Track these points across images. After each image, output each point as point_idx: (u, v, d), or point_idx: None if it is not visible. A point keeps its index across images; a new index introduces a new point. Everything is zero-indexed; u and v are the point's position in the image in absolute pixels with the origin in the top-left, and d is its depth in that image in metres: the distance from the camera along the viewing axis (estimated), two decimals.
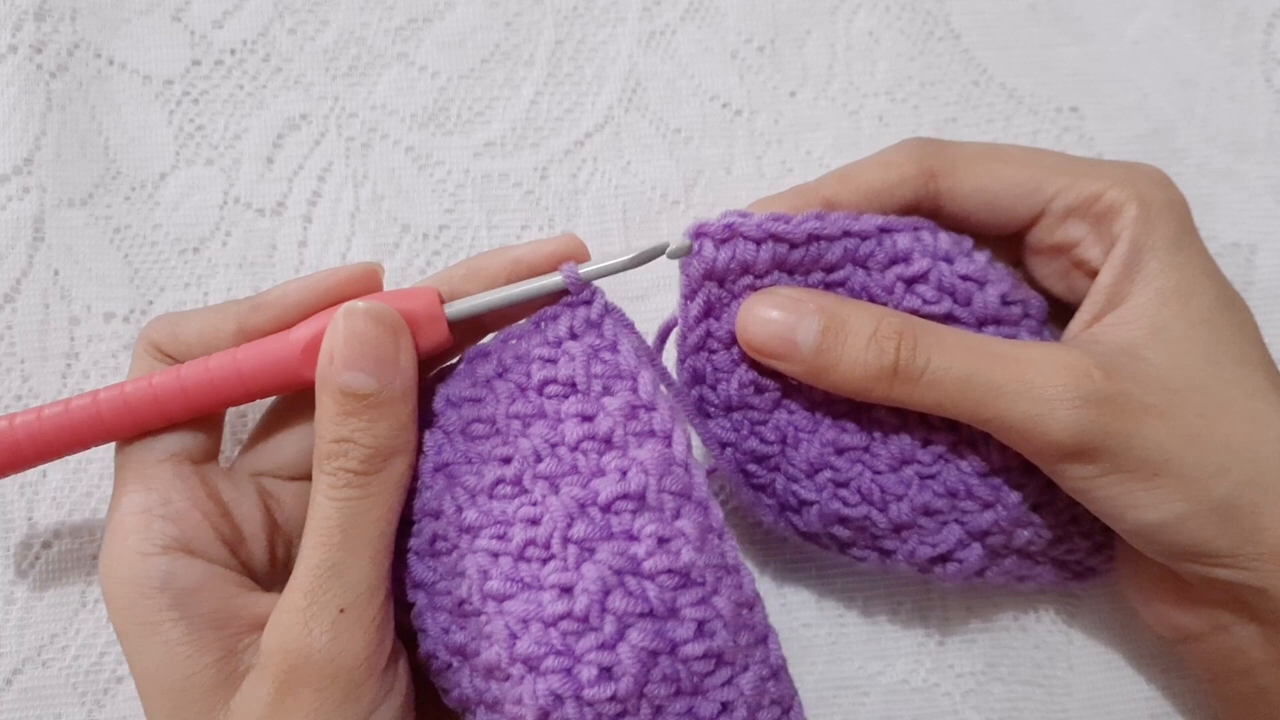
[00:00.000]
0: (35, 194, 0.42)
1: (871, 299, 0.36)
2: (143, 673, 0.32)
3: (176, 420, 0.34)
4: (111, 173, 0.43)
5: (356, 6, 0.46)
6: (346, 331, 0.32)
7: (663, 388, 0.35)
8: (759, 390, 0.37)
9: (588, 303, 0.35)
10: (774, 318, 0.35)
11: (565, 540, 0.32)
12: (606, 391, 0.34)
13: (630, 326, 0.35)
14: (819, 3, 0.47)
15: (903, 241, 0.36)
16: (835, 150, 0.46)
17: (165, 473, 0.34)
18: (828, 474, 0.37)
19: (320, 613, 0.31)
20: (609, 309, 0.35)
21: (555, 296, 0.35)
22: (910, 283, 0.36)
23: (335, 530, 0.32)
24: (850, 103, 0.46)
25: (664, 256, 0.35)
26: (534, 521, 0.33)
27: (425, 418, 0.35)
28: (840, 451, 0.37)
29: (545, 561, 0.32)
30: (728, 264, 0.35)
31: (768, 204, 0.36)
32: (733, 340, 0.36)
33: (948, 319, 0.36)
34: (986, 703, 0.43)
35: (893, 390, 0.34)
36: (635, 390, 0.34)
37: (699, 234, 0.35)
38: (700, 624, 0.32)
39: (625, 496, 0.33)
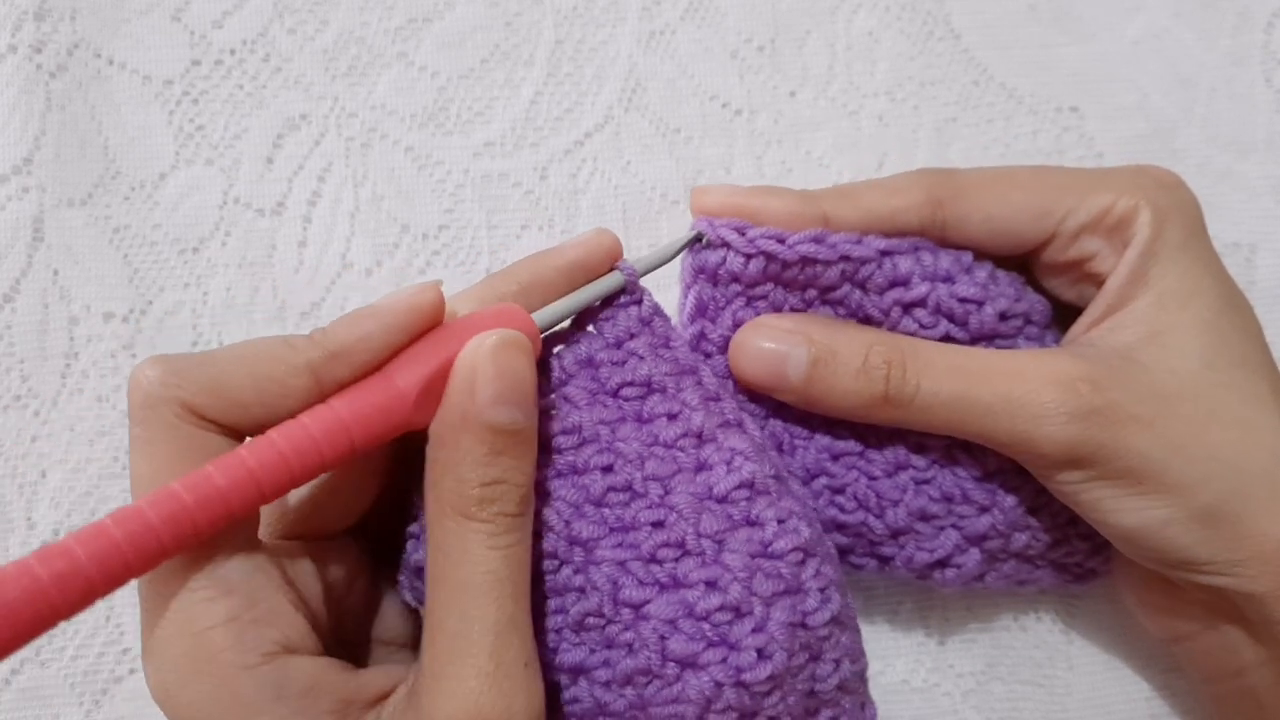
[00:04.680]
0: (35, 194, 0.42)
1: (867, 319, 0.36)
2: None
3: (269, 500, 0.29)
4: (111, 173, 0.43)
5: (356, 6, 0.45)
6: (498, 367, 0.30)
7: None
8: (753, 398, 0.37)
9: (638, 302, 0.35)
10: (765, 349, 0.35)
11: (699, 535, 0.33)
12: (679, 388, 0.34)
13: (670, 322, 0.36)
14: (819, 3, 0.47)
15: (904, 264, 0.36)
16: (835, 150, 0.46)
17: (241, 566, 0.29)
18: (824, 480, 0.37)
19: (510, 673, 0.29)
20: (656, 308, 0.35)
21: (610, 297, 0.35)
22: (908, 307, 0.36)
23: (507, 582, 0.29)
24: (850, 103, 0.46)
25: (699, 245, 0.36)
26: (659, 524, 0.33)
27: None
28: (836, 458, 0.37)
29: (679, 560, 0.32)
30: (716, 268, 0.35)
31: (768, 195, 0.36)
32: (725, 346, 0.37)
33: (944, 340, 0.36)
34: (986, 702, 0.43)
35: (885, 414, 0.35)
36: (700, 383, 0.35)
37: (698, 225, 0.35)
38: (822, 591, 0.33)
39: (740, 485, 0.33)
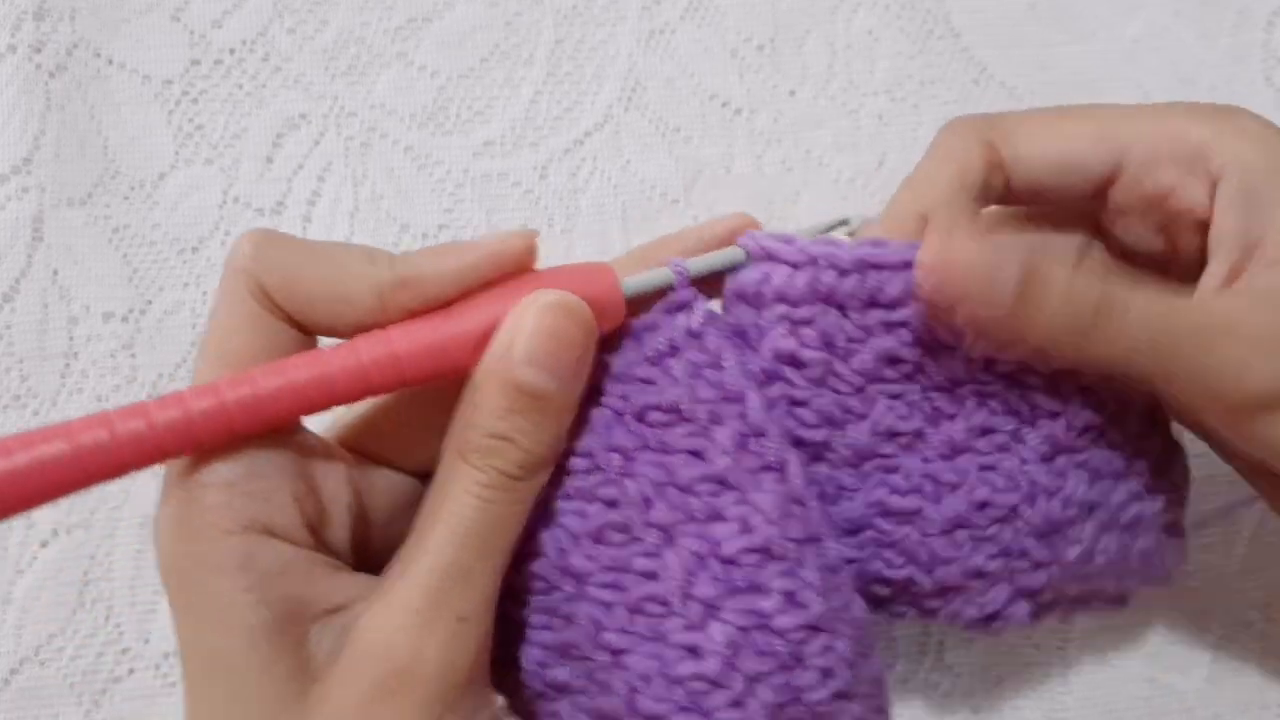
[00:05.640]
0: (34, 194, 0.42)
1: (939, 343, 0.32)
2: (204, 659, 0.29)
3: (309, 413, 0.30)
4: (110, 172, 0.43)
5: (356, 6, 0.46)
6: (537, 325, 0.29)
7: None
8: (797, 443, 0.33)
9: (688, 309, 0.31)
10: (973, 256, 0.31)
11: (686, 596, 0.30)
12: (714, 420, 0.30)
13: (733, 338, 0.32)
14: (818, 2, 0.47)
15: None
16: (835, 149, 0.46)
17: (260, 445, 0.30)
18: (870, 534, 0.33)
19: (439, 618, 0.29)
20: (711, 317, 0.31)
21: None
22: None
23: (472, 532, 0.29)
24: (850, 101, 0.46)
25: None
26: (649, 575, 0.30)
27: None
28: (887, 514, 0.33)
29: (665, 617, 0.30)
30: (757, 288, 0.31)
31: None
32: (771, 379, 0.32)
33: (1021, 366, 0.32)
34: (987, 702, 0.43)
35: (1081, 350, 0.31)
36: (744, 416, 0.30)
37: (742, 241, 0.32)
38: (825, 670, 0.30)
39: (750, 550, 0.30)
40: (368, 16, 0.46)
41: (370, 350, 0.29)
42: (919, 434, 0.33)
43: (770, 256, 0.31)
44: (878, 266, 0.31)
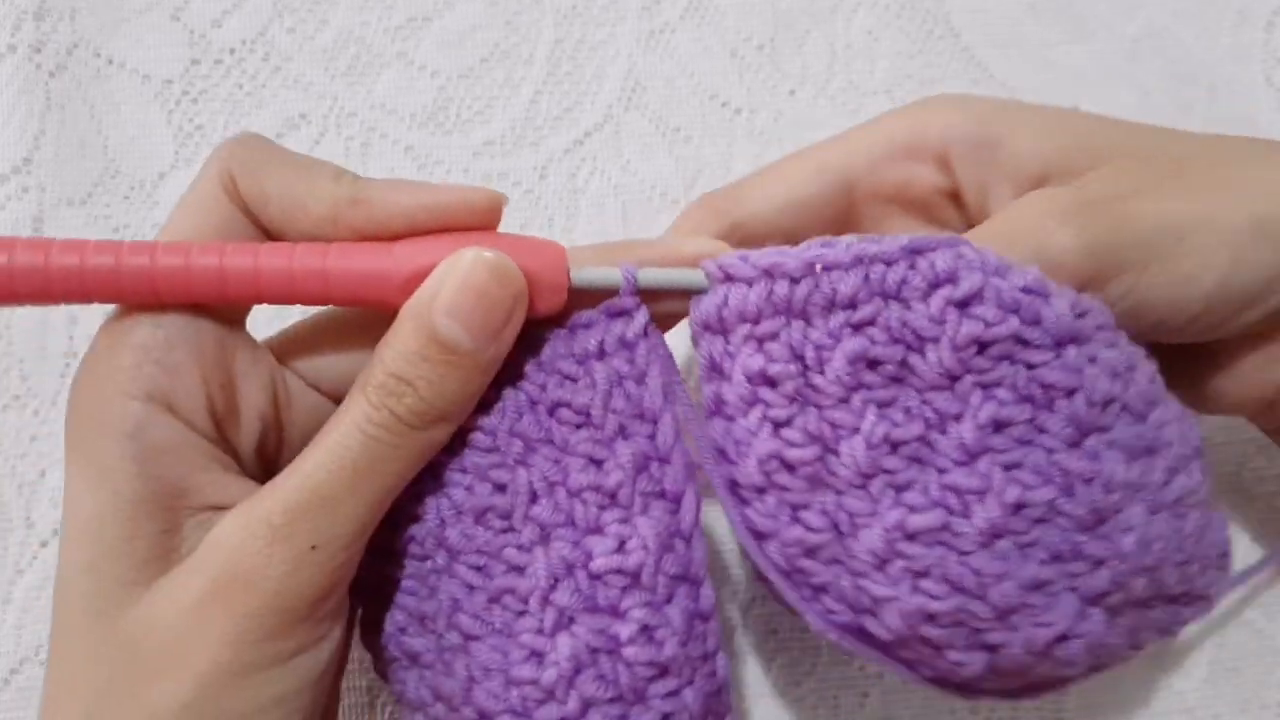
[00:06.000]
0: (34, 194, 0.42)
1: (917, 335, 0.30)
2: (78, 518, 0.29)
3: (231, 302, 0.30)
4: (110, 172, 0.43)
5: (356, 6, 0.46)
6: (463, 279, 0.29)
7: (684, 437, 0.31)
8: (788, 467, 0.30)
9: (628, 316, 0.30)
10: None
11: (544, 601, 0.30)
12: (622, 433, 0.30)
13: (667, 357, 0.31)
14: (818, 2, 0.47)
15: (942, 261, 0.29)
16: None
17: (189, 322, 0.30)
18: (900, 564, 0.30)
19: (291, 538, 0.28)
20: (649, 330, 0.30)
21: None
22: (964, 305, 0.29)
23: (349, 463, 0.29)
24: (850, 101, 0.46)
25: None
26: (516, 568, 0.30)
27: None
28: (912, 536, 0.30)
29: (518, 615, 0.30)
30: (719, 312, 0.30)
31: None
32: (748, 404, 0.30)
33: (1017, 341, 0.30)
34: (986, 702, 0.43)
35: None
36: (653, 437, 0.30)
37: (705, 266, 0.31)
38: (665, 716, 0.30)
39: (619, 571, 0.30)
40: (368, 16, 0.46)
41: (303, 257, 0.29)
42: (925, 442, 0.30)
43: (727, 276, 0.30)
44: (828, 267, 0.29)
